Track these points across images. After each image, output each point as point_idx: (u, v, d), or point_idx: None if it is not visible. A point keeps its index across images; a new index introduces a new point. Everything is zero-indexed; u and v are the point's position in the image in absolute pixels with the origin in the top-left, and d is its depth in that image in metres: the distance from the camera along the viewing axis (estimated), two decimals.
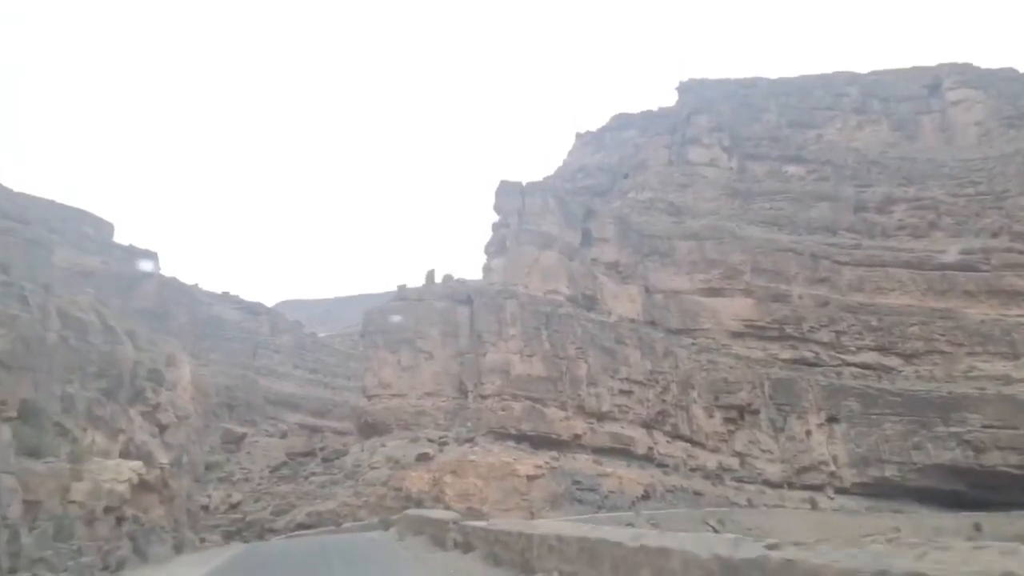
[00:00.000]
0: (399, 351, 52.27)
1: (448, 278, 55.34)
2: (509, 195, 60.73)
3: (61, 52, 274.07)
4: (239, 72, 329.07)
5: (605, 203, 68.90)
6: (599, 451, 50.72)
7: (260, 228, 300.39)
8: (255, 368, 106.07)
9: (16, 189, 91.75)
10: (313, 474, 48.91)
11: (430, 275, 55.38)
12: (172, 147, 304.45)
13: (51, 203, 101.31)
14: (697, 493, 51.66)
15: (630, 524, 41.71)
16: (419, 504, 44.51)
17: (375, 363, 52.68)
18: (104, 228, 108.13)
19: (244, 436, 72.12)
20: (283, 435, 75.88)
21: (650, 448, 53.05)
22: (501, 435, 48.11)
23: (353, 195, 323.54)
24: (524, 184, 61.60)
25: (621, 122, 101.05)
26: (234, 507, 49.80)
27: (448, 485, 44.49)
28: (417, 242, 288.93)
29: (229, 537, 47.54)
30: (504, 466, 44.81)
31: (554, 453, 47.49)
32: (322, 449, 52.73)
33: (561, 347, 51.48)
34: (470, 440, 47.24)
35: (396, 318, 52.56)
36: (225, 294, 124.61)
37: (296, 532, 40.32)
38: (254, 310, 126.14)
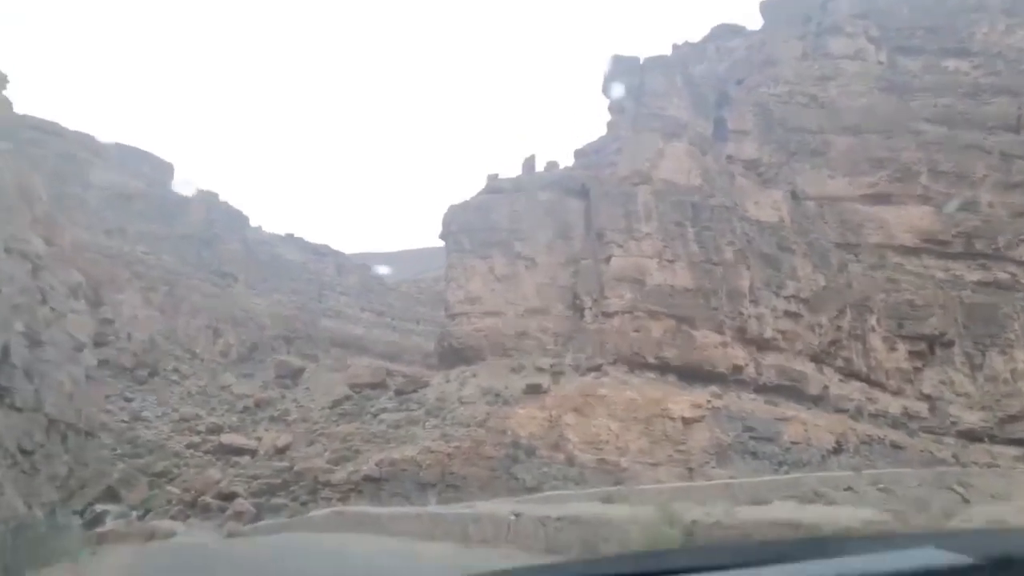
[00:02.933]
0: (492, 257, 38.23)
1: (552, 165, 40.89)
2: (624, 73, 45.73)
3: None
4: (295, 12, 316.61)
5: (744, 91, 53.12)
6: (761, 390, 36.25)
7: (322, 178, 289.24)
8: (321, 311, 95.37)
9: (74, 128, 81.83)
10: (384, 411, 35.56)
11: (529, 162, 40.98)
12: (237, 93, 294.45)
13: (109, 144, 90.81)
14: (895, 446, 36.78)
15: (849, 488, 27.44)
16: (529, 453, 30.88)
17: (460, 272, 38.75)
18: (163, 168, 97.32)
19: (302, 370, 59.74)
20: (346, 368, 63.57)
21: (824, 387, 38.30)
22: (635, 364, 33.95)
23: (418, 134, 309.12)
24: (643, 60, 46.54)
25: (725, 31, 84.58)
26: (280, 452, 37.12)
27: (570, 427, 30.60)
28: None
29: (272, 491, 35.03)
30: (651, 403, 30.66)
31: (715, 389, 33.15)
32: (395, 379, 39.27)
33: (715, 249, 36.76)
34: (596, 368, 33.18)
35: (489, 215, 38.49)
36: (289, 235, 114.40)
37: (344, 506, 26.71)
38: (319, 251, 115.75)
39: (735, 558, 1.89)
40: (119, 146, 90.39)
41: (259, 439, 46.55)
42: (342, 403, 39.13)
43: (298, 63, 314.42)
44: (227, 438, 46.09)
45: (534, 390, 31.77)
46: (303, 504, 31.35)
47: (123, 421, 48.61)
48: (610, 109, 46.36)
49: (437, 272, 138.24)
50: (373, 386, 39.05)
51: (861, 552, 1.68)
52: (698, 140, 44.35)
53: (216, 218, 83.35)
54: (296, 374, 59.07)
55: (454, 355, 38.36)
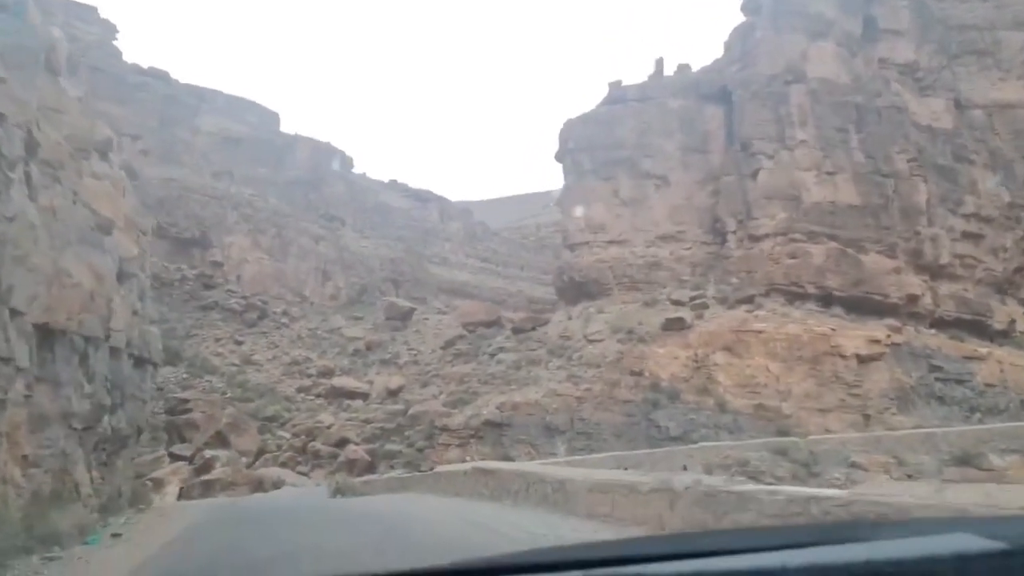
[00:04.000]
0: (616, 177, 33.42)
1: (684, 69, 35.36)
2: None
3: None
4: None
5: None
6: (938, 324, 30.40)
7: (421, 124, 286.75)
8: (426, 257, 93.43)
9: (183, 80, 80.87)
10: (501, 350, 31.75)
11: (658, 66, 35.56)
12: (333, 39, 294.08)
13: (216, 92, 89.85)
14: None
15: None
16: (672, 397, 26.48)
17: (580, 196, 34.13)
18: (269, 117, 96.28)
19: (412, 312, 57.01)
20: (457, 314, 60.53)
21: (1011, 321, 32.02)
22: (792, 295, 28.78)
23: (515, 69, 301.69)
24: None
25: None
26: (392, 394, 34.10)
27: (720, 368, 25.93)
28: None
29: (386, 436, 31.94)
30: (818, 340, 25.56)
31: (891, 322, 27.67)
32: (510, 318, 35.43)
33: (884, 159, 30.73)
34: (747, 300, 28.20)
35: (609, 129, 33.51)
36: (392, 182, 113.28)
37: (482, 459, 23.07)
38: (422, 197, 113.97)
39: (763, 541, 1.77)
40: (224, 96, 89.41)
41: (371, 382, 44.05)
42: (455, 343, 35.66)
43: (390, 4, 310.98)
44: (339, 381, 43.78)
45: (675, 326, 27.18)
46: (419, 450, 28.19)
47: (233, 364, 47.11)
48: (743, 9, 40.19)
49: (540, 218, 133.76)
50: (488, 324, 35.35)
51: (892, 537, 1.59)
52: (846, 40, 37.73)
53: (321, 160, 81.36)
54: (406, 316, 56.37)
55: (575, 290, 34.06)
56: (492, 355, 31.66)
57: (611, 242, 33.19)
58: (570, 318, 31.84)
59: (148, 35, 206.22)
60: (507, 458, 27.27)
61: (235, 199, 66.35)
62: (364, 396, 39.90)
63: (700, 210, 32.46)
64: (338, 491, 16.21)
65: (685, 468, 20.58)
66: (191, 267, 57.97)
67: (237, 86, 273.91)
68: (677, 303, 29.40)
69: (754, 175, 30.72)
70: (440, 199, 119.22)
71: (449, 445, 27.29)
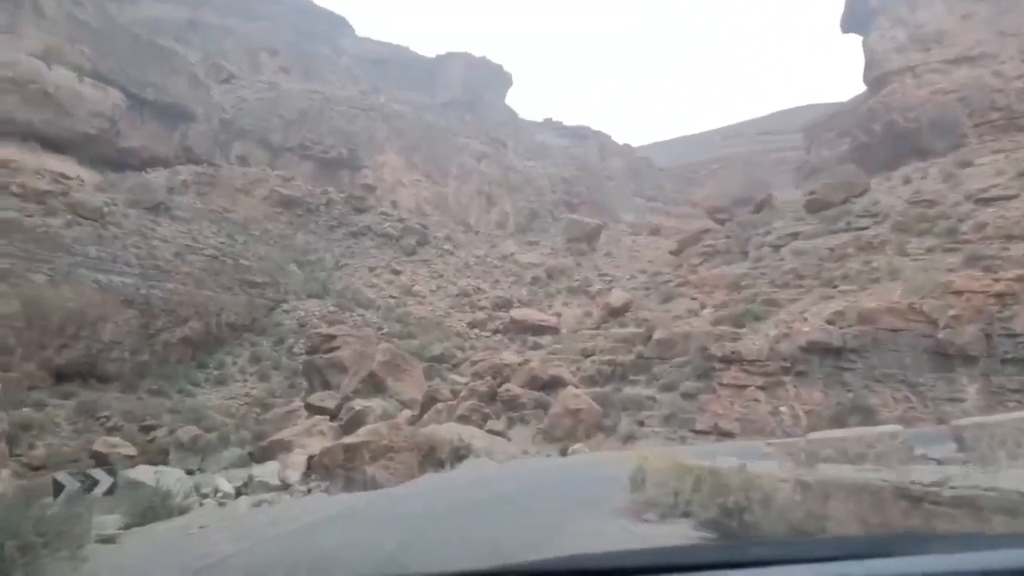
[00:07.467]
0: None
1: None
2: None
3: None
4: None
5: None
6: None
7: (574, 67, 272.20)
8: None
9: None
10: (794, 236, 19.59)
11: None
12: None
13: (366, 39, 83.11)
14: None
15: None
16: None
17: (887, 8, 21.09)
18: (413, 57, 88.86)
19: (600, 229, 45.79)
20: (654, 231, 48.84)
21: None
22: None
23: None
24: None
25: None
26: (617, 314, 22.75)
27: None
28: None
29: (619, 375, 20.73)
30: None
31: None
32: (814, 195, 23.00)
33: None
34: None
35: None
36: (547, 120, 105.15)
37: None
38: (580, 134, 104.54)
39: (818, 551, 1.65)
40: (373, 41, 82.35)
41: (558, 314, 33.75)
42: (701, 239, 23.86)
43: None
44: (519, 313, 33.45)
45: None
46: (687, 396, 17.00)
47: (391, 296, 37.79)
48: None
49: (705, 156, 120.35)
50: (756, 208, 23.12)
51: (946, 550, 1.49)
52: None
53: (476, 77, 71.13)
54: (592, 236, 45.14)
55: (893, 145, 21.42)
56: (775, 247, 19.57)
57: (958, 60, 20.19)
58: (907, 181, 19.19)
59: None
60: (859, 408, 15.58)
61: (384, 111, 57.19)
62: (553, 330, 29.52)
63: None
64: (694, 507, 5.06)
65: None
66: (339, 191, 49.61)
67: (379, 26, 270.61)
68: None
69: None
70: (599, 135, 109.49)
71: (744, 387, 15.89)
